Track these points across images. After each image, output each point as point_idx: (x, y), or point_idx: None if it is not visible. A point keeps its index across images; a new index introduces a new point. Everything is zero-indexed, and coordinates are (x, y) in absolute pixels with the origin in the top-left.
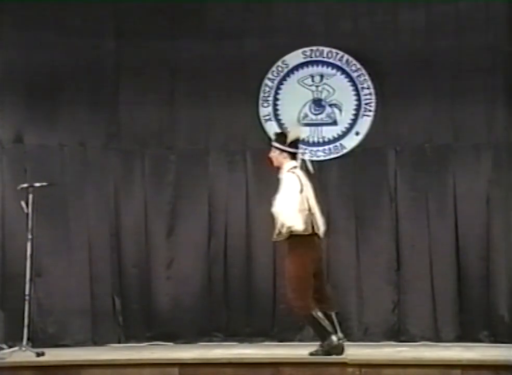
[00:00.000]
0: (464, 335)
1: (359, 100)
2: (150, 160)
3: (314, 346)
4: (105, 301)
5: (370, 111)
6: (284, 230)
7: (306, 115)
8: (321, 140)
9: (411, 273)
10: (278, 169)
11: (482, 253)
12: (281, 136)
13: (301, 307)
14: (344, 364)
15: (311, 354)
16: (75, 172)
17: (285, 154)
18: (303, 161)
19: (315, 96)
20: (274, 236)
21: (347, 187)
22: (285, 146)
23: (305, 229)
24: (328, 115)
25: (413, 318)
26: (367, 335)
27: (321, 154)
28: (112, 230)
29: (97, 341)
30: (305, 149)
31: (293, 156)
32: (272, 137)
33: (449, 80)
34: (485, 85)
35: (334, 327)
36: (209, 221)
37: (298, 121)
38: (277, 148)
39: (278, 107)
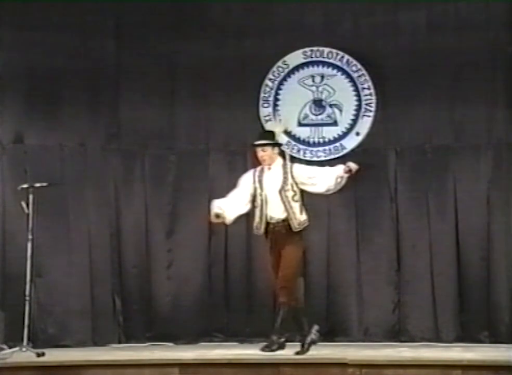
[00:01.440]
0: (465, 336)
1: (359, 100)
2: (150, 160)
3: (315, 346)
4: (106, 302)
5: (370, 111)
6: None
7: (306, 116)
8: (321, 140)
9: (411, 273)
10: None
11: (482, 254)
12: (270, 134)
13: (292, 291)
14: (345, 365)
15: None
16: (75, 172)
17: (276, 149)
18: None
19: (315, 96)
20: (297, 226)
21: (348, 188)
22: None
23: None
24: (328, 116)
25: (414, 318)
26: (367, 336)
27: (321, 154)
28: (112, 231)
29: (97, 341)
30: (305, 149)
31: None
32: (260, 136)
33: (449, 80)
34: (485, 85)
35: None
36: (209, 221)
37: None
38: (271, 144)
39: (279, 107)
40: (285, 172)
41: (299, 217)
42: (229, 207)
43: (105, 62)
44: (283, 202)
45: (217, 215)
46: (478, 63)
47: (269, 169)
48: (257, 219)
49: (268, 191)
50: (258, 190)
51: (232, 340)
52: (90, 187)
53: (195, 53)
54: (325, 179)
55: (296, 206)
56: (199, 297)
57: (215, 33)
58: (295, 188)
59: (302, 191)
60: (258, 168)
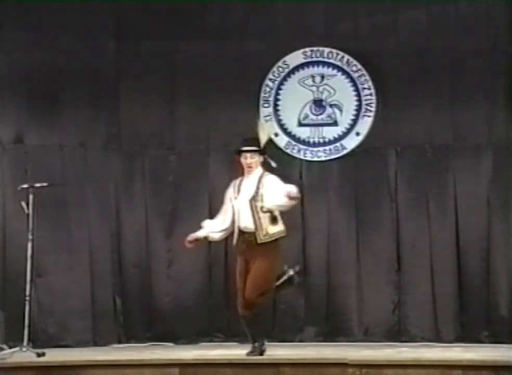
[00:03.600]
0: (465, 336)
1: (359, 100)
2: (150, 160)
3: (315, 346)
4: (106, 302)
5: (370, 111)
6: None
7: (306, 116)
8: (321, 140)
9: (411, 273)
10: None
11: (482, 254)
12: (256, 140)
13: (256, 305)
14: (345, 365)
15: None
16: (75, 172)
17: (261, 157)
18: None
19: (316, 96)
20: (262, 238)
21: (348, 188)
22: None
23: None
24: (329, 116)
25: (414, 318)
26: (367, 336)
27: (321, 154)
28: (113, 231)
29: (97, 341)
30: (305, 149)
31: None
32: (246, 142)
33: (449, 80)
34: (485, 86)
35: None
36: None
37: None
38: (259, 151)
39: (279, 107)
40: (259, 182)
41: (267, 228)
42: (216, 229)
43: (105, 62)
44: (252, 212)
45: (197, 239)
46: (478, 63)
47: (247, 177)
48: (235, 227)
49: (240, 200)
50: (234, 200)
51: (232, 340)
52: (90, 187)
53: (195, 53)
54: (273, 196)
55: (264, 216)
56: (198, 297)
57: (215, 33)
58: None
59: None
60: (238, 178)
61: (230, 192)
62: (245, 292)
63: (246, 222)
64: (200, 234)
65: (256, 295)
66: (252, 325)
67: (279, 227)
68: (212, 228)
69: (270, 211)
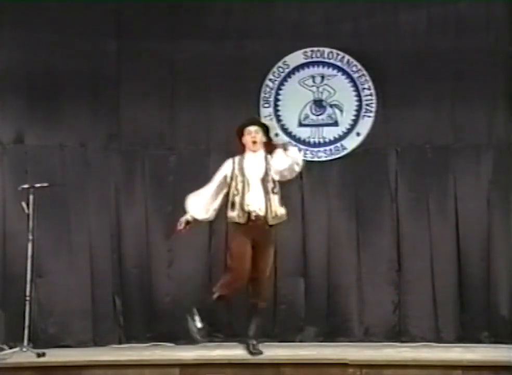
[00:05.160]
0: (465, 336)
1: (360, 101)
2: (150, 160)
3: (315, 346)
4: (106, 302)
5: (371, 111)
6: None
7: (307, 116)
8: (322, 141)
9: (412, 273)
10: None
11: (482, 254)
12: (259, 121)
13: (265, 298)
14: (345, 365)
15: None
16: (75, 172)
17: (264, 138)
18: None
19: (316, 96)
20: (271, 220)
21: (348, 188)
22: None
23: None
24: (329, 116)
25: (414, 319)
26: (367, 336)
27: (322, 155)
28: (113, 231)
29: (97, 341)
30: (306, 149)
31: None
32: (253, 121)
33: (449, 81)
34: (486, 86)
35: None
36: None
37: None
38: (263, 126)
39: (279, 108)
40: (267, 163)
41: (276, 210)
42: (201, 208)
43: (105, 62)
44: (264, 192)
45: (187, 222)
46: (479, 63)
47: (250, 156)
48: (237, 206)
49: (250, 177)
50: (239, 177)
51: (232, 340)
52: (90, 188)
53: (195, 53)
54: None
55: (275, 198)
56: (199, 297)
57: (215, 33)
58: (274, 180)
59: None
60: (237, 156)
61: (227, 169)
62: (259, 282)
63: (256, 202)
64: (187, 217)
65: (266, 284)
66: (260, 316)
67: (284, 210)
68: (198, 212)
69: (279, 194)
